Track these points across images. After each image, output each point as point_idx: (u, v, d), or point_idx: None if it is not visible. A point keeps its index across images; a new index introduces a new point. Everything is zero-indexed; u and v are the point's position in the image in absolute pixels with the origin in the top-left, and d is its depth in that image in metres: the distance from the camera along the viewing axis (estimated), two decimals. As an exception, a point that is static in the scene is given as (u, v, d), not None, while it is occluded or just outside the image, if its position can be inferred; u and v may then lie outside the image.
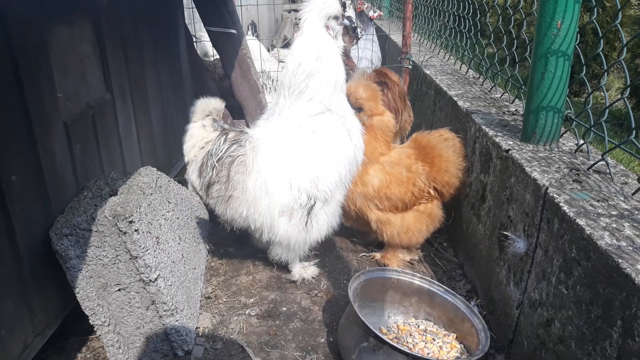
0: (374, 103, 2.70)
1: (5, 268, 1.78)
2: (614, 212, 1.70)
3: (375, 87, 2.82)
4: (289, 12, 10.19)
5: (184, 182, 3.11)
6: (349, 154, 2.47)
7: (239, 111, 4.20)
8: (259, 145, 2.35)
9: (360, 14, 6.88)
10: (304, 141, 2.41)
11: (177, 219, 2.53)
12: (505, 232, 2.19)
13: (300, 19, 2.44)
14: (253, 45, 5.69)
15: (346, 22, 6.92)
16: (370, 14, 6.50)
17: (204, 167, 2.24)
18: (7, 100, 1.82)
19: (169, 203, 2.48)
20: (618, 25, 1.96)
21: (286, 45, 6.84)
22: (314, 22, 2.38)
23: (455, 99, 3.07)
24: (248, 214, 2.32)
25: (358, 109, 2.65)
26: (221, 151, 2.21)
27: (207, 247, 2.96)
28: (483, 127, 2.56)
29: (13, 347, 1.83)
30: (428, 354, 2.14)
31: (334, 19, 2.41)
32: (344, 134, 2.45)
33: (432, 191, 2.75)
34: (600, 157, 2.03)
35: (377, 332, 1.97)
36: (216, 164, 2.20)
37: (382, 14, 6.28)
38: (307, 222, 2.44)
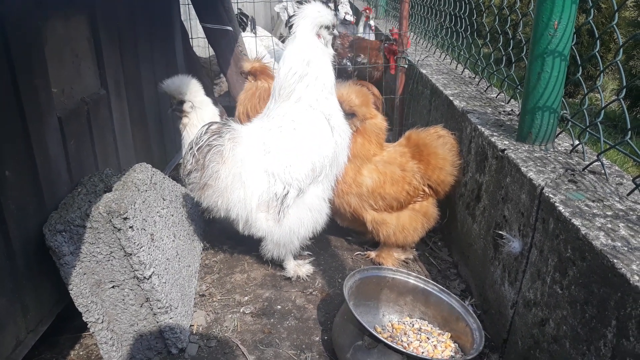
0: (366, 108, 2.72)
1: (-2, 264, 1.77)
2: (609, 213, 1.71)
3: (367, 91, 2.83)
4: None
5: (178, 179, 3.10)
6: (327, 148, 2.52)
7: (235, 109, 4.19)
8: (239, 137, 2.44)
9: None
10: (284, 133, 2.49)
11: (172, 216, 2.52)
12: (500, 232, 2.19)
13: (292, 24, 2.56)
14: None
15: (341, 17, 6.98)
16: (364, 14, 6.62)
17: (186, 155, 2.35)
18: (1, 94, 1.80)
19: (164, 200, 2.47)
20: (614, 26, 1.97)
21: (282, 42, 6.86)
22: (305, 29, 2.49)
23: (451, 98, 3.07)
24: (221, 203, 2.40)
25: (351, 114, 2.67)
26: (202, 140, 2.32)
27: (202, 244, 2.95)
28: (479, 126, 2.57)
29: (5, 344, 1.81)
30: (422, 352, 2.14)
31: (326, 28, 2.52)
32: (325, 129, 2.53)
33: (426, 189, 2.75)
34: (595, 157, 2.04)
35: (372, 330, 1.97)
36: (195, 152, 2.30)
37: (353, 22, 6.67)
38: (279, 210, 2.47)
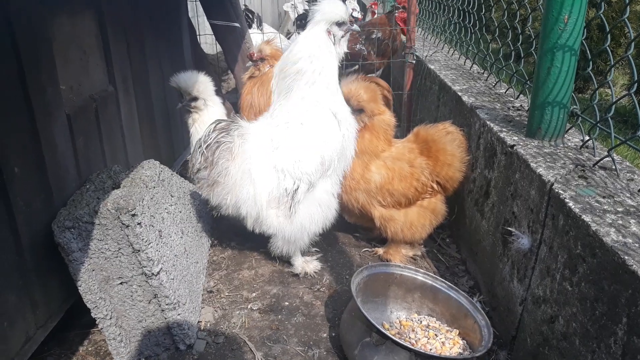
0: (375, 104, 2.71)
1: (7, 260, 1.78)
2: (620, 209, 1.69)
3: (375, 87, 2.82)
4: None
5: (186, 176, 3.11)
6: (335, 141, 2.51)
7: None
8: (247, 134, 2.43)
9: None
10: (291, 128, 2.48)
11: (180, 212, 2.52)
12: (509, 228, 2.18)
13: (308, 20, 2.55)
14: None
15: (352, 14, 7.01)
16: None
17: (194, 153, 2.34)
18: (9, 92, 1.81)
19: (172, 196, 2.48)
20: (626, 19, 1.94)
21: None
22: (316, 25, 2.47)
23: (459, 94, 3.05)
24: (230, 200, 2.39)
25: (360, 110, 2.66)
26: (210, 138, 2.31)
27: (210, 241, 2.96)
28: (488, 122, 2.55)
29: (15, 339, 1.83)
30: (430, 349, 2.13)
31: (337, 24, 2.48)
32: (331, 122, 2.51)
33: (435, 186, 2.74)
34: (606, 153, 2.02)
35: (379, 327, 1.97)
36: (204, 150, 2.29)
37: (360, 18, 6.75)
38: (290, 206, 2.47)
